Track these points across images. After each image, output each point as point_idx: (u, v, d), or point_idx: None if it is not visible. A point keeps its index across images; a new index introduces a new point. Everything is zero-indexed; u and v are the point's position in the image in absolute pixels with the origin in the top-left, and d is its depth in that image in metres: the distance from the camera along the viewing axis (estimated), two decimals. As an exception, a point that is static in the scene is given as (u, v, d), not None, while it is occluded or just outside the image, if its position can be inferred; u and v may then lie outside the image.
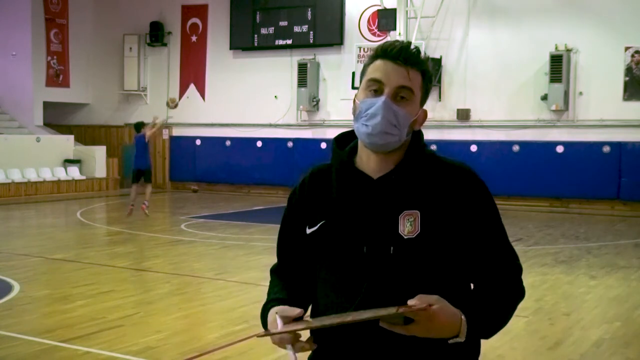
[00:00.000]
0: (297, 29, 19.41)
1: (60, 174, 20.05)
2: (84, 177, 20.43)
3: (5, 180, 18.66)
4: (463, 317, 1.80)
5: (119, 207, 17.60)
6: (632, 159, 15.91)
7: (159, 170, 21.86)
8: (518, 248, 11.03)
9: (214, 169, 20.82)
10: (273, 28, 19.73)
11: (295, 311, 1.87)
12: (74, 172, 20.35)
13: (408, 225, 1.89)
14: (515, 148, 17.10)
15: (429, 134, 17.90)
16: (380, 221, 1.90)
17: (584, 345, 5.91)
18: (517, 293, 2.00)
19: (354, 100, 1.97)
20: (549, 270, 9.20)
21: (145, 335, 6.01)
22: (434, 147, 18.04)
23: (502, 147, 17.21)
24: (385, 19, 17.74)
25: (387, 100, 1.88)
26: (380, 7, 17.93)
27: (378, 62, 1.92)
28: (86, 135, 22.62)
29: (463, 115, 17.56)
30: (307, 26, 19.31)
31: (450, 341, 1.80)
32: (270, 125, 19.88)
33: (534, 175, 16.79)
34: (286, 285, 2.08)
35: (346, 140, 2.05)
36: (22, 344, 5.74)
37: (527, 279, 8.06)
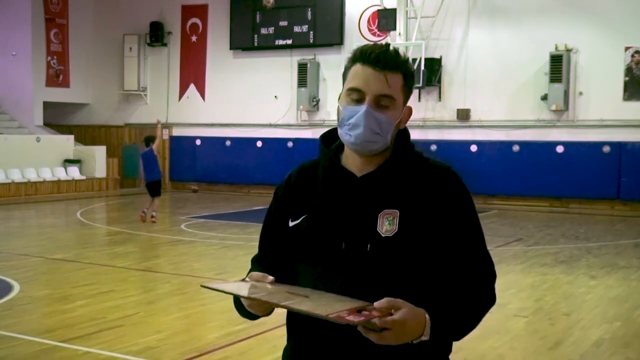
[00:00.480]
0: (297, 29, 19.41)
1: (60, 174, 20.05)
2: (84, 177, 20.43)
3: (5, 180, 18.66)
4: (427, 316, 1.79)
5: (119, 207, 17.61)
6: (632, 159, 15.91)
7: (159, 170, 21.86)
8: (518, 248, 11.03)
9: (214, 169, 20.81)
10: (273, 28, 19.74)
11: (269, 278, 1.90)
12: (74, 172, 20.35)
13: (387, 224, 1.91)
14: (515, 148, 17.10)
15: (429, 134, 17.99)
16: (360, 219, 1.93)
17: (584, 345, 5.91)
18: (488, 299, 1.97)
19: (338, 106, 2.00)
20: (549, 270, 9.20)
21: (145, 335, 6.01)
22: (433, 147, 18.01)
23: (502, 147, 17.21)
24: (385, 19, 17.75)
25: (368, 109, 1.89)
26: (380, 7, 17.93)
27: (358, 68, 1.92)
28: (86, 135, 22.62)
29: (463, 115, 17.55)
30: (307, 26, 19.31)
31: (415, 341, 1.79)
32: (270, 125, 19.88)
33: (534, 175, 16.79)
34: (266, 272, 2.09)
35: (333, 137, 2.07)
36: (22, 344, 5.74)
37: (527, 279, 8.06)
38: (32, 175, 19.39)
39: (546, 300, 7.63)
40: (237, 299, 2.02)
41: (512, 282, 8.40)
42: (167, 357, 5.49)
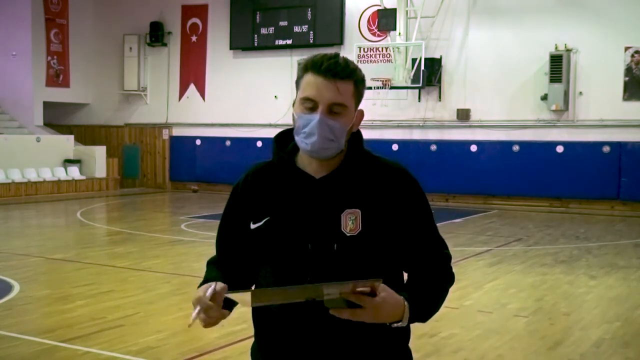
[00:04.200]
0: (297, 29, 19.41)
1: (60, 174, 20.05)
2: (84, 177, 20.43)
3: (5, 180, 18.65)
4: (406, 302, 1.91)
5: (119, 207, 17.62)
6: (632, 159, 15.91)
7: (159, 170, 21.88)
8: (518, 248, 11.04)
9: (214, 169, 20.81)
10: (273, 28, 19.74)
11: (222, 285, 1.90)
12: (74, 172, 20.35)
13: (350, 223, 2.00)
14: (515, 148, 17.10)
15: (429, 134, 18.00)
16: (324, 219, 2.01)
17: (584, 345, 5.91)
18: (448, 278, 2.11)
19: (292, 112, 2.07)
20: (549, 270, 9.20)
21: (145, 335, 6.01)
22: (433, 147, 18.08)
23: (502, 147, 17.21)
24: (385, 19, 17.74)
25: (321, 118, 1.97)
26: (380, 7, 17.92)
27: (310, 77, 1.99)
28: (86, 135, 22.61)
29: (463, 115, 17.55)
30: (307, 26, 19.31)
31: (394, 325, 1.91)
32: (270, 125, 19.88)
33: (534, 175, 16.79)
34: (224, 275, 2.13)
35: (286, 139, 2.15)
36: (22, 344, 5.74)
37: (527, 279, 8.06)
38: (32, 175, 19.39)
39: (546, 300, 7.63)
40: None
41: (512, 282, 8.40)
42: (167, 357, 5.49)
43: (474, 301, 7.32)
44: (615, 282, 8.54)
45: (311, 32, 19.24)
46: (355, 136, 2.08)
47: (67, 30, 21.78)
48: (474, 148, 17.49)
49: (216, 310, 1.87)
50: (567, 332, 6.34)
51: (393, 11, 17.63)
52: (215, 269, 2.19)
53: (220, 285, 1.89)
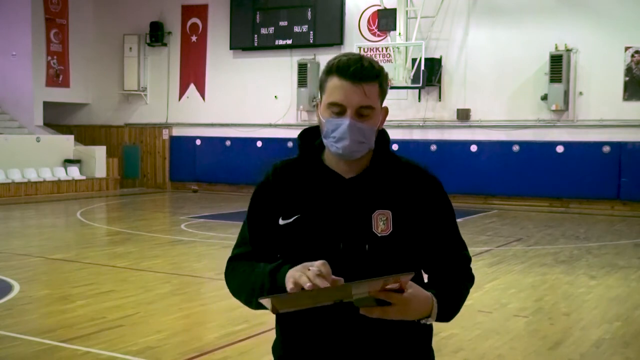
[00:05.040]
0: (297, 29, 19.41)
1: (60, 174, 20.05)
2: (84, 177, 20.43)
3: (5, 180, 18.65)
4: (434, 298, 1.94)
5: (119, 207, 17.62)
6: (632, 159, 15.91)
7: (159, 170, 21.87)
8: (518, 248, 11.04)
9: (214, 169, 20.81)
10: (273, 28, 19.74)
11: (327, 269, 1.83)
12: (74, 172, 20.35)
13: (381, 224, 2.02)
14: (515, 148, 17.10)
15: (429, 134, 18.00)
16: (355, 219, 2.03)
17: (584, 345, 5.91)
18: (470, 279, 2.15)
19: (318, 114, 2.07)
20: (549, 270, 9.20)
21: (145, 335, 6.01)
22: (433, 147, 18.06)
23: (502, 147, 17.21)
24: (385, 19, 17.74)
25: (351, 122, 1.98)
26: (380, 7, 17.93)
27: (336, 81, 2.00)
28: (86, 135, 22.61)
29: (463, 115, 17.55)
30: (307, 26, 19.31)
31: (422, 322, 1.94)
32: (270, 125, 19.89)
33: (534, 175, 16.79)
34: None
35: (311, 136, 2.13)
36: (22, 344, 5.74)
37: (527, 279, 8.05)
38: (32, 175, 19.39)
39: (546, 300, 7.63)
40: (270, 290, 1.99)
41: (512, 282, 8.40)
42: (167, 357, 5.49)
43: (474, 301, 7.31)
44: (615, 282, 8.54)
45: (311, 32, 19.24)
46: (381, 135, 2.10)
47: (67, 30, 21.78)
48: (474, 148, 17.49)
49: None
50: (567, 332, 6.34)
51: (393, 11, 17.63)
52: (245, 261, 2.14)
53: (327, 267, 1.81)
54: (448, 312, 2.01)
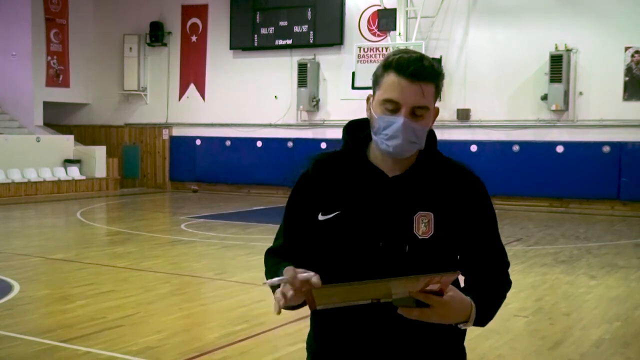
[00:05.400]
0: (297, 29, 19.41)
1: (60, 174, 20.05)
2: (84, 177, 20.43)
3: (5, 180, 18.65)
4: (473, 303, 1.91)
5: (119, 207, 17.61)
6: (632, 159, 15.91)
7: (159, 170, 21.87)
8: (518, 248, 11.03)
9: (214, 169, 20.82)
10: (273, 28, 19.74)
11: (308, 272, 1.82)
12: (74, 172, 20.35)
13: (422, 226, 1.99)
14: (515, 148, 17.10)
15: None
16: (396, 219, 1.99)
17: (584, 345, 5.91)
18: (508, 285, 2.14)
19: (369, 108, 2.03)
20: (549, 270, 9.20)
21: (145, 335, 6.01)
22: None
23: (502, 147, 17.21)
24: (385, 19, 17.75)
25: (405, 121, 1.94)
26: (380, 7, 17.93)
27: (393, 78, 1.95)
28: (86, 135, 22.62)
29: (463, 115, 17.55)
30: (307, 26, 19.31)
31: (460, 326, 1.91)
32: (270, 125, 19.88)
33: (534, 175, 16.79)
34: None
35: (356, 129, 2.09)
36: (22, 344, 5.74)
37: (527, 279, 8.05)
38: (32, 175, 19.39)
39: (546, 300, 7.63)
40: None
41: (512, 282, 8.39)
42: (167, 357, 5.49)
43: (474, 301, 7.31)
44: (615, 282, 8.54)
45: (311, 32, 19.24)
46: (429, 135, 2.06)
47: (67, 30, 21.78)
48: (474, 148, 17.49)
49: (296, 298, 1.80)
50: (567, 332, 6.34)
51: (393, 11, 17.64)
52: (277, 258, 2.10)
53: (317, 280, 1.77)
54: (485, 317, 1.99)
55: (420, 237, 1.98)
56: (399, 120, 1.94)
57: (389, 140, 1.96)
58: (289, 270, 1.80)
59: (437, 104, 2.06)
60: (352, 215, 2.01)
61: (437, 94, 2.01)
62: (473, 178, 2.08)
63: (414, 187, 2.01)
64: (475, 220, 2.04)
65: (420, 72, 1.93)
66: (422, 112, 1.96)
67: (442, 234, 1.99)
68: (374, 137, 2.01)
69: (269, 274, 2.06)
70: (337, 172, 2.07)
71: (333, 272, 2.00)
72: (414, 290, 1.76)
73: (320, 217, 2.04)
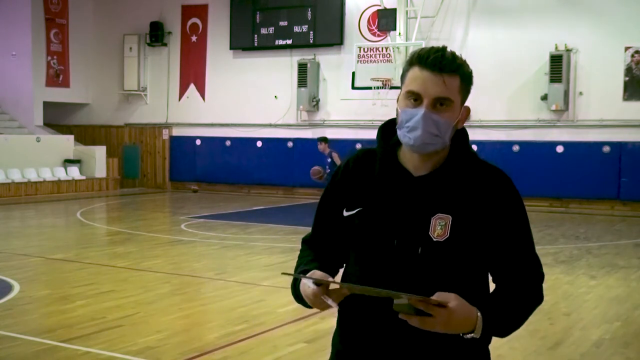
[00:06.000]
0: (297, 29, 19.41)
1: (60, 174, 20.05)
2: (84, 177, 20.43)
3: (5, 180, 18.66)
4: (479, 314, 1.87)
5: (119, 207, 17.61)
6: (632, 159, 15.91)
7: (159, 170, 21.88)
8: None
9: (214, 169, 20.82)
10: (273, 28, 19.74)
11: (327, 278, 1.94)
12: (74, 172, 20.35)
13: (438, 229, 1.96)
14: (515, 148, 17.11)
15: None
16: (413, 220, 1.98)
17: (584, 345, 5.91)
18: (536, 298, 2.05)
19: (397, 107, 2.03)
20: (549, 270, 9.17)
21: (145, 335, 6.01)
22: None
23: (502, 147, 17.21)
24: (385, 19, 17.74)
25: (426, 112, 1.93)
26: (380, 7, 17.93)
27: (415, 71, 1.96)
28: (86, 135, 22.62)
29: (463, 115, 17.54)
30: (307, 26, 19.31)
31: (467, 336, 1.88)
32: (270, 125, 19.88)
33: (534, 175, 16.78)
34: (317, 257, 2.14)
35: (391, 128, 2.08)
36: (22, 344, 5.74)
37: (527, 279, 7.82)
38: (32, 175, 19.39)
39: (546, 300, 7.54)
40: (296, 289, 2.07)
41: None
42: (167, 357, 5.48)
43: (474, 301, 7.31)
44: (615, 282, 8.54)
45: (311, 32, 19.24)
46: (460, 134, 2.04)
47: (67, 30, 21.78)
48: (474, 148, 17.46)
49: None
50: (567, 332, 6.34)
51: (393, 11, 17.64)
52: (308, 251, 2.20)
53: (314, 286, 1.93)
54: (501, 328, 1.94)
55: (434, 240, 1.95)
56: (420, 111, 1.93)
57: (410, 133, 1.94)
58: (313, 290, 1.92)
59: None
60: (372, 212, 2.02)
61: (465, 90, 1.98)
62: (503, 182, 2.03)
63: (436, 188, 1.98)
64: (503, 226, 1.98)
65: (440, 61, 1.92)
66: (445, 104, 1.94)
67: (459, 238, 1.95)
68: (398, 132, 2.00)
69: (296, 269, 2.14)
70: (365, 170, 2.08)
71: (353, 265, 2.08)
72: (414, 299, 1.77)
73: (345, 213, 2.08)
